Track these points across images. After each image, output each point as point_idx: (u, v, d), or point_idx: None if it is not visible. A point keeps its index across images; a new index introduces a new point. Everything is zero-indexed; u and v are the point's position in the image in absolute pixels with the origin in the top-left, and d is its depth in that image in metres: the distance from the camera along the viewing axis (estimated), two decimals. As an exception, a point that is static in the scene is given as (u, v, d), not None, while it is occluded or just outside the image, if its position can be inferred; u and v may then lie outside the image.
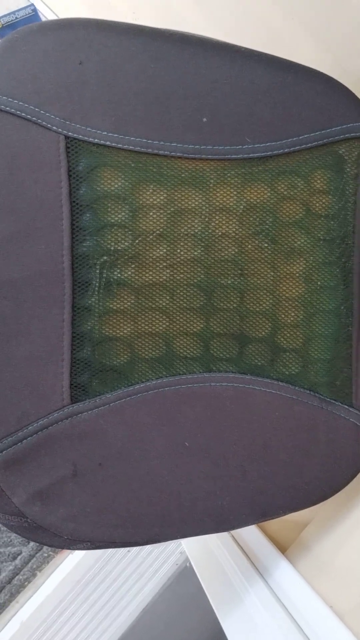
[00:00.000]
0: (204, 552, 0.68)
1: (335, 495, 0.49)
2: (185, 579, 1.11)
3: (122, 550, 1.16)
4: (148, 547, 1.18)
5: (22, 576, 1.16)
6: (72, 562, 1.15)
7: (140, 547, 1.17)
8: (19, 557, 1.16)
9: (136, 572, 1.17)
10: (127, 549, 1.17)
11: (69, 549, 0.46)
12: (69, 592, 1.14)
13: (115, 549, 1.16)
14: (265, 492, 0.47)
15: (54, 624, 1.13)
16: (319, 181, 0.46)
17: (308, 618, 0.44)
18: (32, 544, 1.17)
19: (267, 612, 0.47)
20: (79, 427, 0.45)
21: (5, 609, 1.14)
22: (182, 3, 0.67)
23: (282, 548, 0.55)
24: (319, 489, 0.48)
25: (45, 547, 1.16)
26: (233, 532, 0.66)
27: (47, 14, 1.09)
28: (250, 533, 0.60)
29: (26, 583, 1.16)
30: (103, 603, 1.15)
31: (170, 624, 1.07)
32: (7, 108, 0.43)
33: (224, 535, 0.66)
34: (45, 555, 1.16)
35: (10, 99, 0.43)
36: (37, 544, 1.17)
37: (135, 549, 1.18)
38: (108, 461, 0.45)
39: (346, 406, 0.47)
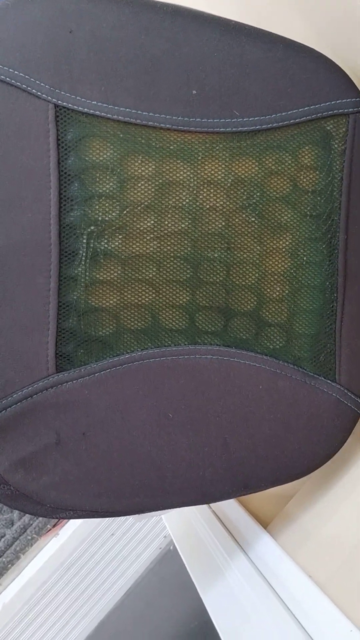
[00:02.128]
0: (186, 529, 0.69)
1: (317, 471, 0.50)
2: (168, 563, 1.12)
3: (105, 533, 1.17)
4: (131, 531, 1.18)
5: (5, 559, 1.16)
6: (56, 545, 1.16)
7: (124, 530, 1.18)
8: (2, 539, 1.17)
9: (119, 555, 1.17)
10: (111, 532, 1.18)
11: (52, 517, 0.46)
12: (51, 574, 1.14)
13: (100, 531, 1.17)
14: (247, 464, 0.47)
15: (36, 605, 1.14)
16: (306, 157, 0.47)
17: (289, 588, 0.44)
18: (15, 526, 1.17)
19: (249, 584, 0.47)
20: (63, 396, 0.45)
21: (-12, 591, 1.15)
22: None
23: (264, 523, 0.55)
24: (300, 463, 0.48)
25: (29, 530, 1.16)
26: (215, 509, 0.67)
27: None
28: (232, 509, 0.61)
29: (9, 565, 1.16)
30: (86, 586, 1.16)
31: (153, 606, 1.08)
32: (-3, 75, 0.43)
33: (206, 512, 0.66)
34: (29, 538, 1.16)
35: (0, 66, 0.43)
36: (20, 527, 1.17)
37: (119, 532, 1.18)
38: (91, 431, 0.45)
39: (329, 381, 0.48)
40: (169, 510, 0.50)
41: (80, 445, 0.45)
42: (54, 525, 1.18)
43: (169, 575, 1.09)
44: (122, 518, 1.18)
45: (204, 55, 0.44)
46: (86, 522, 1.15)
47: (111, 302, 0.46)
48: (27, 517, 1.17)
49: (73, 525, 1.16)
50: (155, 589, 1.11)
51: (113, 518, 1.16)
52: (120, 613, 1.13)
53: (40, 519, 1.16)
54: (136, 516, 0.55)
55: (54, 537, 1.17)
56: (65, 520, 1.18)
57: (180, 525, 0.72)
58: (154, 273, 0.46)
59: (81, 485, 0.45)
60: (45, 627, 1.15)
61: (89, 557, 1.16)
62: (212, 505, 0.68)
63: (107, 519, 1.11)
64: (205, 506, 0.68)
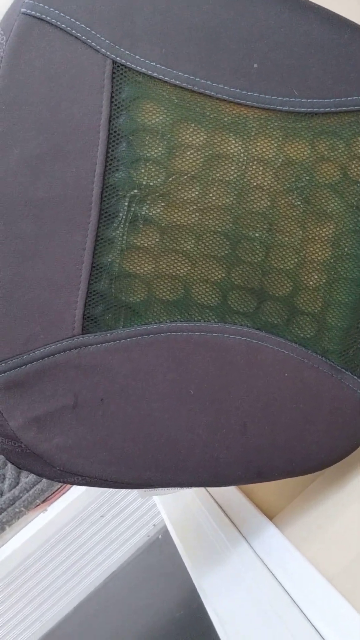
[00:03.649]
0: (183, 514, 0.68)
1: (332, 467, 0.49)
2: (155, 551, 1.11)
3: (95, 514, 1.16)
4: (122, 515, 1.17)
5: (-10, 528, 1.15)
6: (43, 521, 1.15)
7: (114, 513, 1.17)
8: (-10, 510, 1.16)
9: (107, 538, 1.17)
10: (101, 513, 1.17)
11: (60, 481, 0.45)
12: (35, 550, 1.14)
13: (90, 511, 1.16)
14: (263, 450, 0.46)
15: (16, 580, 1.13)
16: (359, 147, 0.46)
17: (295, 580, 0.43)
18: (4, 497, 1.16)
19: (251, 573, 0.46)
20: (86, 359, 0.44)
21: (-29, 560, 1.14)
22: None
23: (269, 516, 0.54)
24: (317, 456, 0.47)
25: (17, 502, 1.15)
26: (217, 497, 0.65)
27: None
28: (235, 498, 0.60)
29: (-6, 536, 1.15)
30: (69, 565, 1.15)
31: (136, 592, 1.07)
32: (58, 23, 0.42)
33: (207, 498, 0.65)
34: (17, 510, 1.15)
35: (61, 14, 0.42)
36: (8, 499, 1.16)
37: (109, 515, 1.17)
38: (110, 397, 0.44)
39: (355, 377, 0.47)
40: (176, 489, 0.49)
41: (97, 410, 0.44)
42: (44, 501, 1.17)
43: (154, 564, 1.08)
44: (114, 500, 1.17)
45: (270, 28, 0.43)
46: (76, 501, 1.14)
47: (145, 269, 0.45)
48: (17, 490, 1.16)
49: (63, 503, 1.15)
50: (139, 576, 1.10)
51: (105, 500, 1.16)
52: (101, 596, 1.12)
53: (30, 492, 1.15)
54: (142, 492, 0.54)
55: (42, 512, 1.17)
56: (56, 496, 1.17)
57: (176, 509, 0.71)
58: (191, 245, 0.45)
59: (93, 451, 0.44)
60: (22, 602, 1.14)
61: (76, 537, 1.15)
62: (215, 493, 0.67)
63: (99, 499, 1.10)
64: (206, 492, 0.67)
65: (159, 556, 1.05)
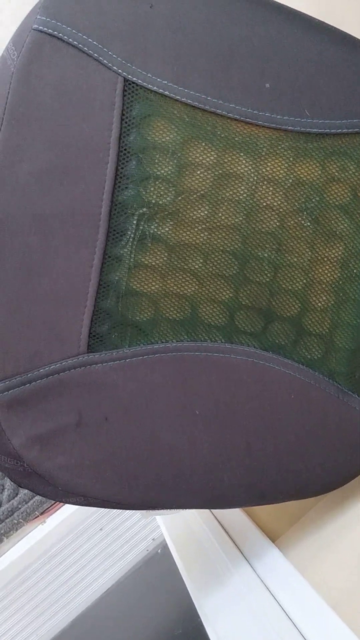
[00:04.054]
0: (184, 532, 0.67)
1: (332, 492, 0.48)
2: (154, 566, 1.10)
3: (94, 527, 1.15)
4: (120, 529, 1.16)
5: (-13, 540, 1.14)
6: (41, 533, 1.14)
7: (113, 527, 1.16)
8: (-13, 521, 1.15)
9: (105, 552, 1.16)
10: (100, 526, 1.16)
11: (61, 501, 0.44)
12: (33, 562, 1.13)
13: (88, 524, 1.15)
14: (267, 472, 0.46)
15: (13, 592, 1.12)
16: (371, 168, 0.45)
17: (297, 603, 0.43)
18: (3, 508, 1.15)
19: (253, 595, 0.46)
20: (91, 377, 0.43)
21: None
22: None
23: (272, 538, 0.54)
24: (321, 479, 0.47)
25: (16, 514, 1.14)
26: (220, 517, 0.65)
27: None
28: (238, 519, 0.59)
29: (-9, 547, 1.14)
30: (67, 578, 1.14)
31: (134, 608, 1.06)
32: (70, 39, 0.42)
33: (210, 518, 0.64)
34: (15, 522, 1.14)
35: (74, 31, 0.42)
36: (7, 510, 1.15)
37: (107, 528, 1.16)
38: (114, 416, 0.44)
39: (362, 400, 0.46)
40: (178, 510, 0.48)
41: (101, 429, 0.44)
42: (42, 513, 1.16)
43: (153, 579, 1.07)
44: (113, 514, 1.16)
45: (283, 48, 0.43)
46: (75, 514, 1.14)
47: (153, 288, 0.44)
48: (15, 501, 1.15)
49: (61, 515, 1.15)
50: (137, 591, 1.09)
51: (104, 513, 1.15)
52: (98, 610, 1.11)
53: (29, 504, 1.14)
54: (144, 512, 0.53)
55: (40, 524, 1.16)
56: (54, 509, 1.16)
57: (177, 526, 0.70)
58: (199, 264, 0.45)
59: (96, 471, 0.44)
60: (18, 615, 1.13)
61: (74, 549, 1.14)
62: (217, 511, 0.66)
63: (98, 512, 1.09)
64: (208, 512, 0.66)
65: (158, 571, 1.04)
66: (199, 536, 0.62)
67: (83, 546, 1.15)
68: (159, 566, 1.05)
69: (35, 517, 1.16)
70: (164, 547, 1.08)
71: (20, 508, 1.14)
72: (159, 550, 1.10)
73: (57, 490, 0.44)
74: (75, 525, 1.13)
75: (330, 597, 0.40)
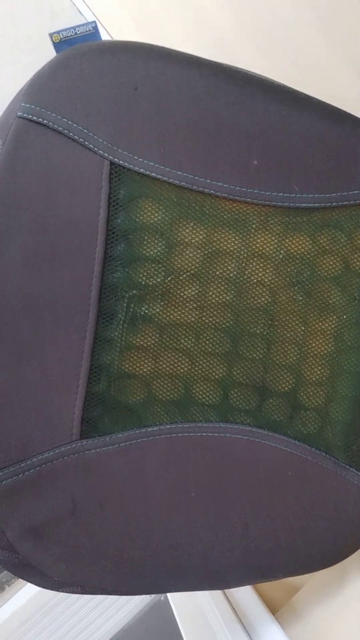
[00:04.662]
0: (189, 601, 0.66)
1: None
2: (157, 613, 1.09)
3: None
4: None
5: (-11, 589, 1.13)
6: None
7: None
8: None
9: (108, 599, 1.14)
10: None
11: (58, 591, 0.44)
12: (36, 612, 1.11)
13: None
14: (267, 551, 0.45)
15: (16, 642, 1.10)
16: (362, 239, 0.45)
17: None
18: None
19: None
20: (85, 463, 0.43)
21: (-32, 621, 1.11)
22: (239, 43, 0.66)
23: (272, 609, 0.53)
24: (321, 554, 0.46)
25: (17, 561, 1.12)
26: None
27: (102, 33, 1.08)
28: (242, 590, 0.58)
29: (-7, 597, 1.12)
30: (70, 626, 1.12)
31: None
32: (55, 126, 0.41)
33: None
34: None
35: (59, 117, 0.41)
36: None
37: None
38: (109, 502, 0.43)
39: (359, 473, 0.46)
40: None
41: (96, 516, 0.43)
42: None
43: (157, 627, 1.05)
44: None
45: (269, 125, 0.43)
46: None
47: (145, 369, 0.44)
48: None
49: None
50: (142, 638, 1.08)
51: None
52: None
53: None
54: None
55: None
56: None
57: (182, 596, 0.69)
58: (191, 343, 0.44)
59: (92, 559, 0.43)
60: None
61: (76, 598, 1.13)
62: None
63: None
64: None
65: (162, 618, 1.03)
66: (203, 606, 0.60)
67: (84, 595, 1.13)
68: (162, 613, 1.03)
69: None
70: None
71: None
72: (162, 598, 1.09)
73: (53, 581, 0.43)
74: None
75: None
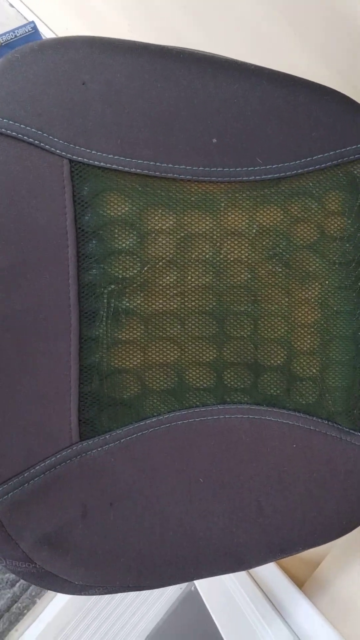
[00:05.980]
0: (216, 587, 0.65)
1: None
2: (190, 604, 1.08)
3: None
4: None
5: (20, 604, 1.12)
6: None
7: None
8: (17, 584, 1.13)
9: (139, 597, 1.14)
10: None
11: (81, 594, 0.43)
12: (70, 620, 1.11)
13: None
14: (283, 527, 0.45)
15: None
16: (333, 202, 0.45)
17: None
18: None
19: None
20: (88, 465, 0.42)
21: (4, 638, 1.11)
22: (183, 22, 0.66)
23: (298, 582, 0.53)
24: (337, 523, 0.46)
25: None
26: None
27: (46, 34, 1.07)
28: (265, 567, 0.58)
29: (25, 611, 1.12)
30: (106, 630, 1.12)
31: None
32: (8, 131, 0.41)
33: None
34: (45, 581, 1.12)
35: (10, 122, 0.41)
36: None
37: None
38: (119, 500, 0.43)
39: (365, 436, 0.45)
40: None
41: (108, 516, 0.43)
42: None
43: (190, 618, 1.05)
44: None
45: (223, 101, 0.43)
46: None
47: (135, 362, 0.43)
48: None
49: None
50: (177, 632, 1.08)
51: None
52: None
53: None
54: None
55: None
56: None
57: (209, 582, 0.69)
58: (178, 330, 0.44)
59: (110, 559, 0.43)
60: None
61: (108, 600, 1.13)
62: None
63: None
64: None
65: (195, 609, 1.03)
66: (231, 589, 0.60)
67: (117, 595, 1.13)
68: (195, 603, 1.03)
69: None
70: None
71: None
72: (192, 588, 1.09)
73: (75, 585, 0.43)
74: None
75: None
